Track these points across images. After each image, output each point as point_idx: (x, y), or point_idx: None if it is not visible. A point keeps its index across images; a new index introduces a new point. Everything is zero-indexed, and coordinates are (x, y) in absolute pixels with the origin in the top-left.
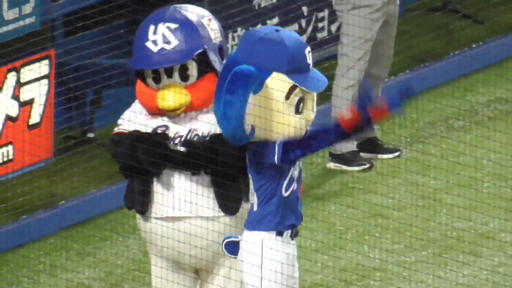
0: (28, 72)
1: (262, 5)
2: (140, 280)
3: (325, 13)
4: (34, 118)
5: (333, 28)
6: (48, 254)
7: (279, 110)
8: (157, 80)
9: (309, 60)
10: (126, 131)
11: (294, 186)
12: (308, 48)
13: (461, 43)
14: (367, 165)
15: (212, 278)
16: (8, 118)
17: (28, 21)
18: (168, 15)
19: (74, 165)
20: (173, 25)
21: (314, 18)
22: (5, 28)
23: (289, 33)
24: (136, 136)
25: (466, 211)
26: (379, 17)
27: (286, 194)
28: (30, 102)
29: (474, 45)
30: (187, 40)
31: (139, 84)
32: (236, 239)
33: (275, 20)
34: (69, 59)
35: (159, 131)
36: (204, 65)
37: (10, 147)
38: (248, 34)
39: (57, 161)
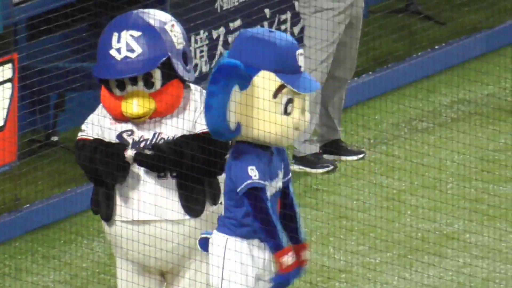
0: None
1: (224, 8)
2: (105, 283)
3: (288, 15)
4: None
5: (296, 30)
6: (13, 257)
7: (266, 108)
8: (121, 87)
9: (300, 62)
10: (89, 138)
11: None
12: (300, 50)
13: (423, 45)
14: (331, 167)
15: (178, 281)
16: None
17: None
18: (131, 22)
19: (38, 169)
20: (136, 33)
21: (276, 20)
22: None
23: (281, 34)
24: (94, 147)
25: (430, 212)
26: (342, 19)
27: None
28: None
29: (436, 47)
30: (151, 48)
31: (104, 91)
32: (210, 236)
33: (238, 22)
34: (32, 63)
35: (124, 135)
36: (168, 71)
37: None
38: (240, 33)
39: (21, 164)
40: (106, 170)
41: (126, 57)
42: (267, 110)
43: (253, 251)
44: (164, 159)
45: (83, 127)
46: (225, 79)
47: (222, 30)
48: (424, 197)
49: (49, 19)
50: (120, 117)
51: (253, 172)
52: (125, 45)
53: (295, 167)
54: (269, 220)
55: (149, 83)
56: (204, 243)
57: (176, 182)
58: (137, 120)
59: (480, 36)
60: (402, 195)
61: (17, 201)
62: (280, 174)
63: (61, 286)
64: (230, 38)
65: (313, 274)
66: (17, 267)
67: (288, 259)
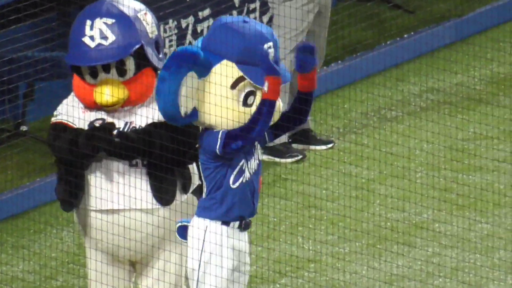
0: None
1: None
2: (74, 272)
3: (257, 4)
4: None
5: (265, 19)
6: None
7: (223, 96)
8: (94, 75)
9: (269, 56)
10: (66, 123)
11: (245, 178)
12: (269, 44)
13: (392, 33)
14: (300, 157)
15: (147, 271)
16: None
17: None
18: (105, 10)
19: (8, 158)
20: (110, 20)
21: (245, 9)
22: None
23: (255, 25)
24: (77, 131)
25: (399, 201)
26: (311, 8)
27: (234, 186)
28: None
29: (405, 35)
30: (124, 35)
31: (76, 79)
32: (188, 224)
33: (207, 11)
34: (1, 52)
35: (96, 124)
36: (141, 60)
37: None
38: (216, 20)
39: None
40: (88, 153)
41: (99, 44)
42: (224, 98)
43: (233, 242)
44: (132, 148)
45: (56, 113)
46: (177, 66)
47: (191, 19)
48: (393, 186)
49: (18, 8)
50: (92, 106)
51: (223, 134)
52: (98, 32)
53: (264, 157)
54: (254, 125)
55: (122, 71)
56: (182, 231)
57: (146, 171)
58: (109, 108)
59: (449, 25)
60: (371, 184)
61: None
62: (256, 154)
63: (30, 276)
64: (199, 27)
65: (282, 264)
66: None
67: (267, 86)
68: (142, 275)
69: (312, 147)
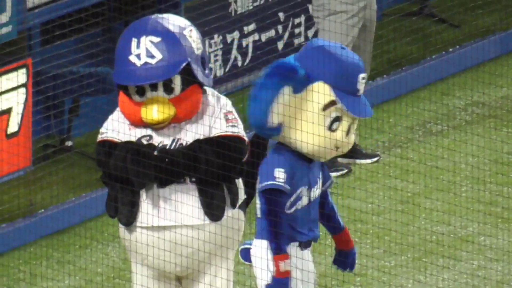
0: (6, 81)
1: (238, 12)
2: (120, 287)
3: (302, 19)
4: (12, 127)
5: (310, 34)
6: (28, 262)
7: (311, 116)
8: (141, 93)
9: (360, 86)
10: (115, 140)
11: (302, 203)
12: (363, 75)
13: (437, 47)
14: (345, 171)
15: (195, 286)
16: None
17: (4, 30)
18: (150, 27)
19: (53, 174)
20: (156, 39)
21: (290, 24)
22: None
23: (352, 54)
24: (126, 147)
25: (445, 215)
26: (356, 22)
27: (289, 211)
28: (8, 111)
29: (450, 49)
30: (171, 53)
31: (122, 96)
32: (250, 246)
33: (252, 26)
34: (47, 68)
35: (143, 141)
36: (188, 77)
37: None
38: (312, 40)
39: (35, 169)
40: (137, 170)
41: (146, 63)
42: (315, 117)
43: (296, 260)
44: (178, 164)
45: (103, 130)
46: (279, 77)
47: (236, 34)
48: (438, 200)
49: (63, 24)
50: (139, 123)
51: (279, 174)
52: (145, 51)
53: None
54: (277, 223)
55: (169, 89)
56: (244, 254)
57: (195, 187)
58: (156, 126)
59: (494, 39)
60: (416, 198)
61: (31, 206)
62: (319, 183)
63: None
64: (244, 42)
65: (328, 278)
66: (32, 272)
67: (285, 265)
68: None
69: (358, 161)
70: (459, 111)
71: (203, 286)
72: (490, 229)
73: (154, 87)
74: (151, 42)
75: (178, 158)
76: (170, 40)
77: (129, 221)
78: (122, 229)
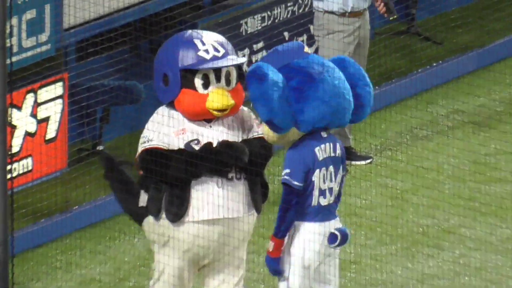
0: (45, 93)
1: (248, 32)
2: (145, 274)
3: (304, 37)
4: (50, 133)
5: (311, 50)
6: (64, 252)
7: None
8: (206, 85)
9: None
10: (162, 147)
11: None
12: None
13: (423, 62)
14: None
15: (216, 272)
16: (28, 133)
17: (44, 48)
18: (205, 32)
19: (86, 174)
20: (217, 39)
21: None
22: (24, 55)
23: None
24: (181, 153)
25: (430, 209)
26: (352, 40)
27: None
28: (47, 119)
29: (434, 64)
30: (230, 50)
31: (187, 92)
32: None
33: (261, 44)
34: (81, 81)
35: (192, 144)
36: (240, 71)
37: (29, 159)
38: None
39: (71, 171)
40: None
41: (214, 56)
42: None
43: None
44: (229, 155)
45: (149, 137)
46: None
47: (246, 51)
48: (424, 196)
49: (96, 42)
50: (199, 114)
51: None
52: (211, 47)
53: None
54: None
55: (228, 81)
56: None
57: (242, 183)
58: (219, 114)
59: (472, 54)
60: (405, 194)
61: (67, 203)
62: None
63: (106, 278)
64: (254, 58)
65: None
66: (68, 261)
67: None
68: (209, 277)
69: (353, 162)
70: (442, 118)
71: (227, 273)
72: (469, 222)
73: (218, 78)
74: (215, 41)
75: (243, 151)
76: (225, 40)
77: (178, 217)
78: (162, 226)
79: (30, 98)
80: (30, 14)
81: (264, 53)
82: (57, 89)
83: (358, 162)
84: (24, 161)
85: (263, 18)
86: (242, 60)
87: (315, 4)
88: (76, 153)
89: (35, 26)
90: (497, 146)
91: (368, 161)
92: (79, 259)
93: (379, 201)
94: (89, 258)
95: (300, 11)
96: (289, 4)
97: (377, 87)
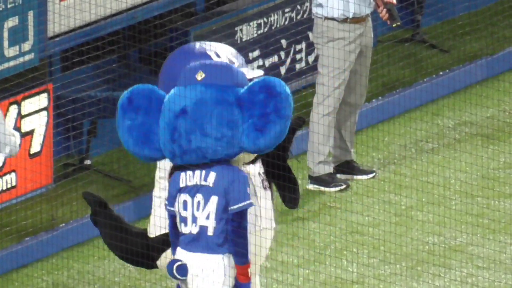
0: (29, 105)
1: (244, 39)
2: None
3: (303, 45)
4: (35, 147)
5: (310, 59)
6: (50, 273)
7: None
8: None
9: None
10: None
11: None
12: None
13: (428, 71)
14: (344, 186)
15: None
16: None
17: (27, 57)
18: (215, 44)
19: (73, 191)
20: (231, 51)
21: (292, 50)
22: (6, 65)
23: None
24: None
25: (436, 226)
26: (353, 48)
27: None
28: (31, 132)
29: (441, 73)
30: (242, 61)
31: None
32: (184, 262)
33: (256, 52)
34: (66, 92)
35: None
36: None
37: (13, 175)
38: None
39: (57, 187)
40: None
41: None
42: None
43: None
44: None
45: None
46: None
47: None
48: (430, 212)
49: (82, 51)
50: None
51: (249, 193)
52: (226, 59)
53: (310, 186)
54: (246, 238)
55: None
56: (181, 269)
57: (271, 191)
58: None
59: (481, 63)
60: (410, 211)
61: (53, 220)
62: None
63: None
64: (250, 67)
65: (327, 286)
66: (54, 282)
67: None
68: None
69: (355, 177)
70: (449, 130)
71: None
72: (478, 240)
73: None
74: (231, 53)
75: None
76: (236, 52)
77: None
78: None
79: (13, 110)
80: (12, 22)
81: (260, 62)
82: (41, 100)
83: (360, 177)
84: (7, 177)
85: (259, 25)
86: (261, 72)
87: (314, 10)
88: (62, 168)
89: (18, 35)
90: (507, 160)
91: (371, 175)
92: (66, 279)
93: (382, 218)
94: (77, 278)
95: (299, 17)
96: (286, 10)
97: (380, 98)
